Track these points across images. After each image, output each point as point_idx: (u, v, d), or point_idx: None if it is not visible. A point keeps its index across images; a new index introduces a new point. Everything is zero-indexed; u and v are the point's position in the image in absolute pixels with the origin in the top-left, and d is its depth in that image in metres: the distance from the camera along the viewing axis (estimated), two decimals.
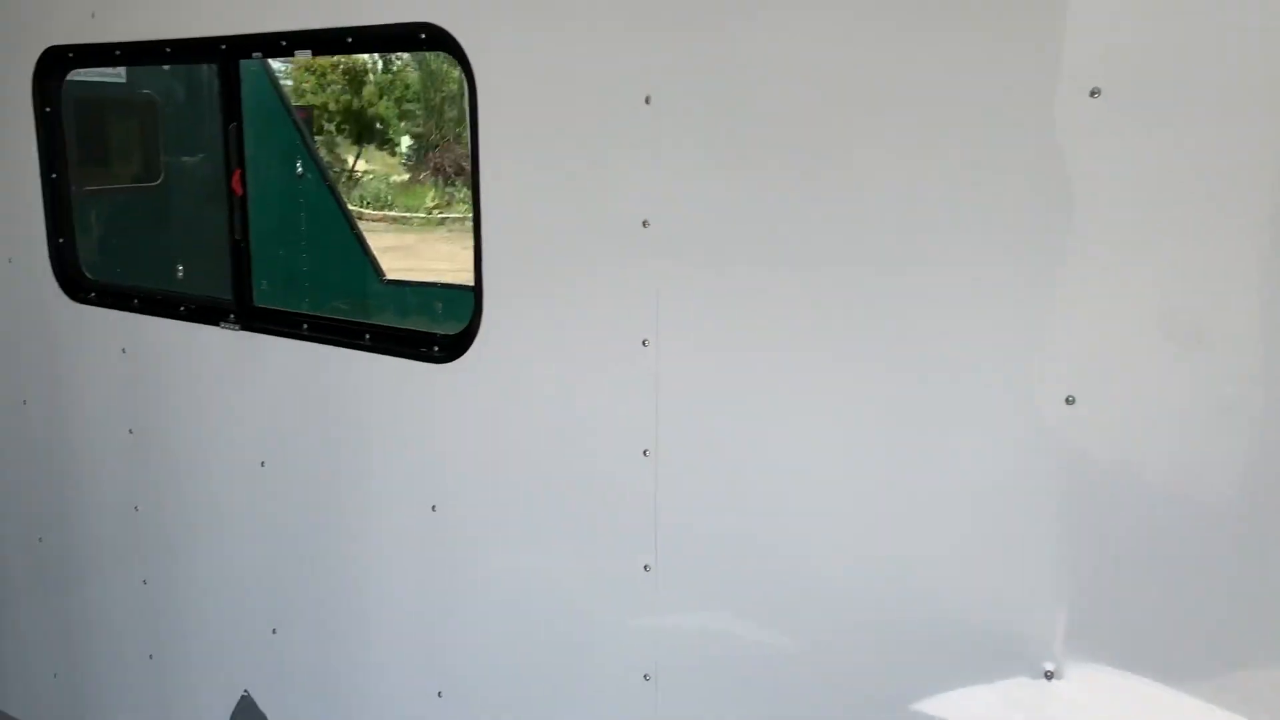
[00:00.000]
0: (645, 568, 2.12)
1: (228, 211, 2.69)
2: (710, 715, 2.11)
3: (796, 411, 1.90)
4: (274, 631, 2.82)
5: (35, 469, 3.38)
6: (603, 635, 2.22)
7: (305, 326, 2.61)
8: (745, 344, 1.94)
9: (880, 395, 1.82)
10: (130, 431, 3.06)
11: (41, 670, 3.57)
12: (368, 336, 2.49)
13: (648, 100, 1.96)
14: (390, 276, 5.78)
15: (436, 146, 24.44)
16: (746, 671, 2.04)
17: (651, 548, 2.11)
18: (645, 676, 2.15)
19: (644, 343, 2.04)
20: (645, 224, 2.00)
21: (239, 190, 2.68)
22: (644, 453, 2.08)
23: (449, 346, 2.34)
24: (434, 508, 2.42)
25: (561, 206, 2.12)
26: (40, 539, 3.43)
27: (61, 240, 3.12)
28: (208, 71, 2.93)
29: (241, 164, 2.69)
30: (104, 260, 3.88)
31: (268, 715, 2.89)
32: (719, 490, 2.02)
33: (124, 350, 3.02)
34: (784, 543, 1.96)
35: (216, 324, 2.76)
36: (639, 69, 1.97)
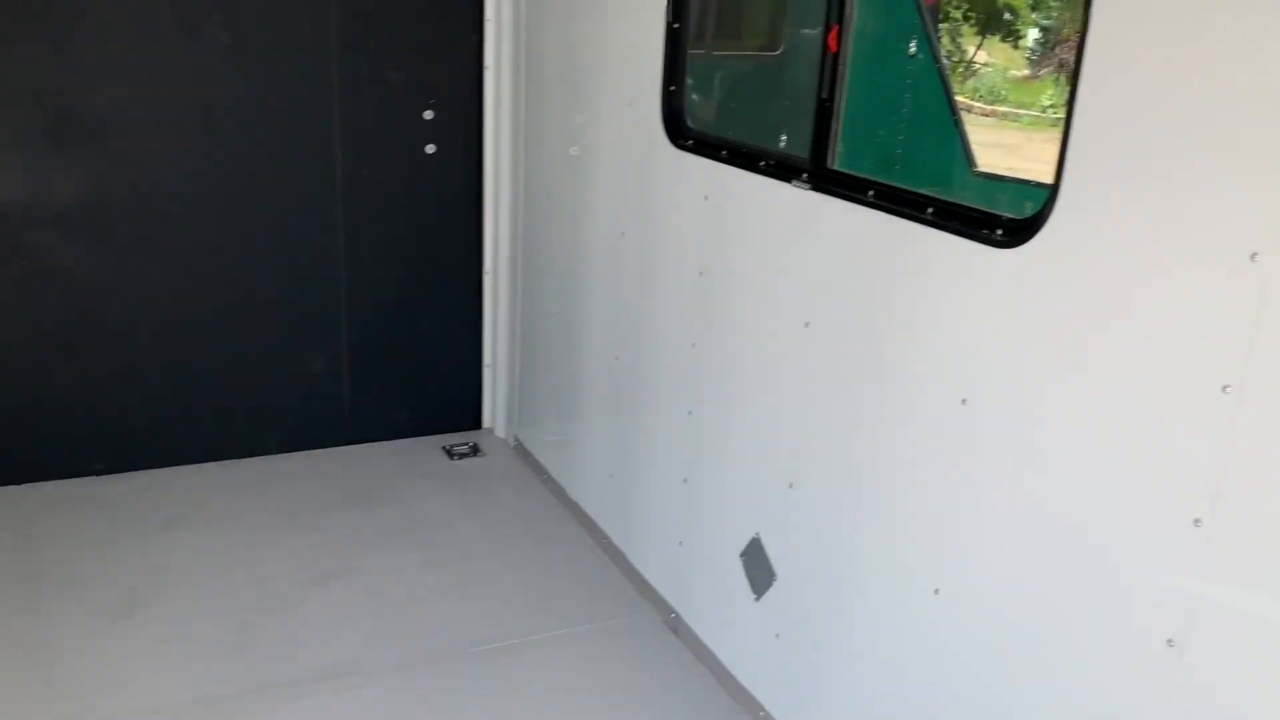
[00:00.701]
0: (1195, 522, 1.81)
1: (818, 68, 2.69)
2: (1239, 700, 1.77)
3: None
4: (790, 486, 2.91)
5: (623, 294, 3.79)
6: (1126, 585, 1.95)
7: (871, 193, 2.55)
8: None
9: None
10: (700, 274, 3.28)
11: (601, 471, 4.09)
12: (930, 210, 2.37)
13: None
14: (982, 169, 5.53)
15: (1065, 41, 22.69)
16: None
17: (1208, 500, 1.79)
18: (1169, 642, 1.86)
19: (1252, 256, 1.68)
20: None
21: (833, 48, 2.65)
22: (1224, 388, 1.74)
23: (1013, 231, 2.14)
24: (964, 401, 2.28)
25: (1166, 101, 1.79)
26: (616, 357, 3.87)
27: (672, 89, 3.37)
28: None
29: (840, 22, 2.65)
30: (710, 116, 4.14)
31: (773, 563, 3.02)
32: None
33: (706, 198, 3.21)
34: None
35: (789, 181, 2.81)
36: None
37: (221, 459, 4.63)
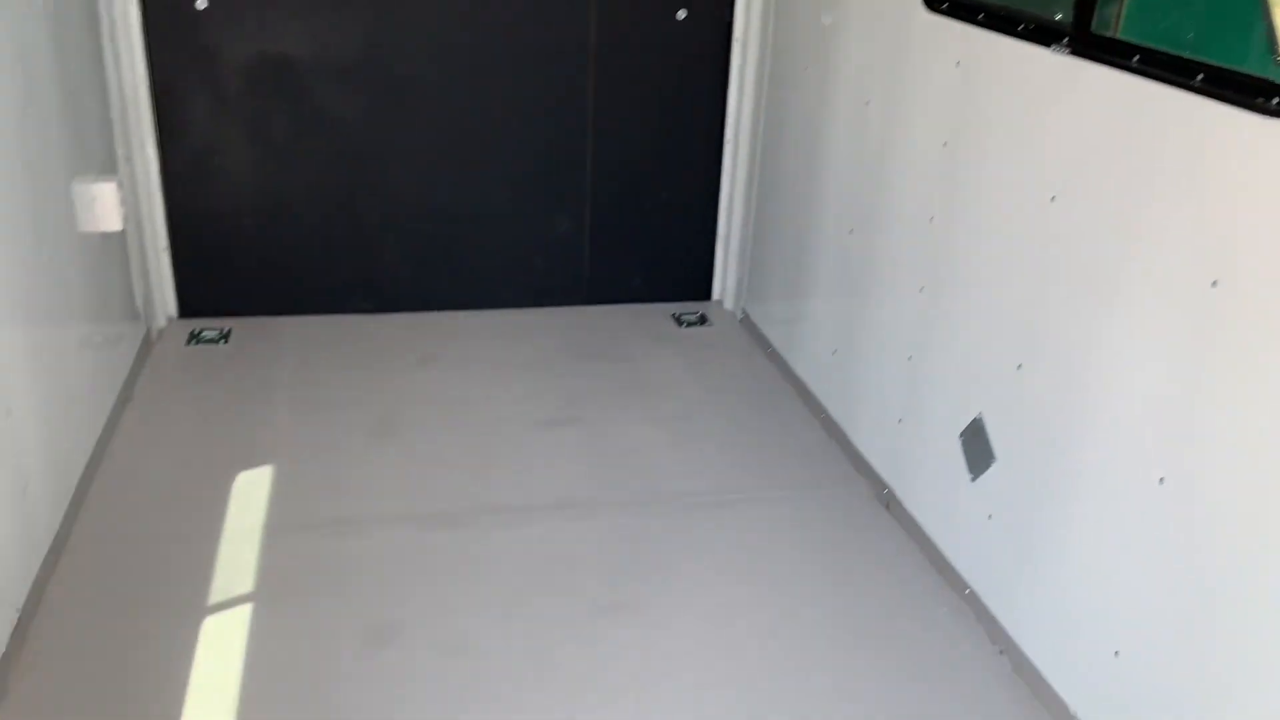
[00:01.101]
0: None
1: None
2: None
3: None
4: (1019, 367, 2.84)
5: (862, 167, 3.73)
6: None
7: (1137, 59, 2.38)
8: None
9: None
10: (944, 145, 3.19)
11: (824, 346, 4.11)
12: (1200, 77, 2.20)
13: None
14: None
15: None
16: None
17: None
18: None
19: None
20: None
21: None
22: None
23: None
24: (1215, 283, 2.15)
25: None
26: (851, 231, 3.83)
27: None
28: None
29: None
30: None
31: (993, 444, 2.98)
32: None
33: (958, 64, 3.09)
34: None
35: (1048, 46, 2.66)
36: None
37: (472, 308, 4.97)
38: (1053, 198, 2.67)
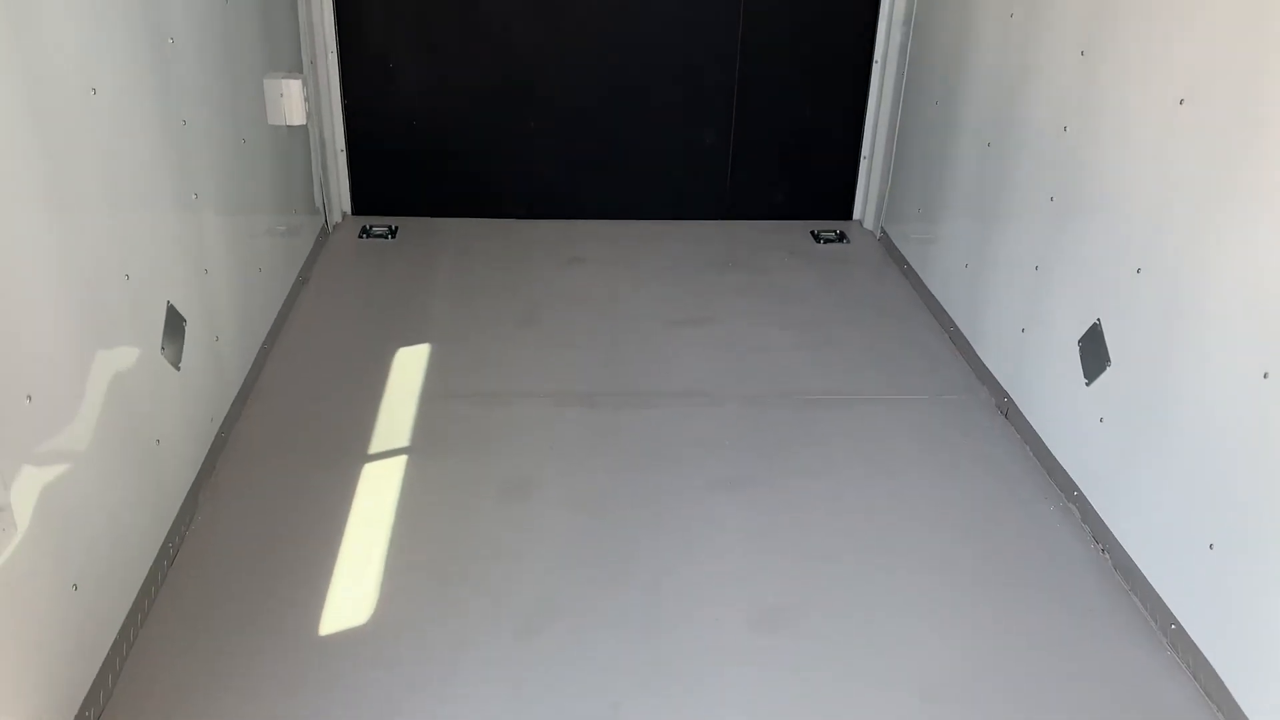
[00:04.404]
0: None
1: None
2: None
3: None
4: (1138, 271, 2.89)
5: (1003, 79, 3.76)
6: None
7: None
8: None
9: None
10: (1081, 53, 3.21)
11: (957, 260, 4.17)
12: None
13: None
14: None
15: None
16: None
17: None
18: None
19: None
20: None
21: None
22: None
23: None
24: None
25: None
26: (989, 144, 3.88)
27: None
28: None
29: None
30: None
31: (1109, 348, 3.03)
32: None
33: None
34: None
35: None
36: None
37: (619, 218, 5.22)
38: (1181, 100, 2.69)
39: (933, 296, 4.40)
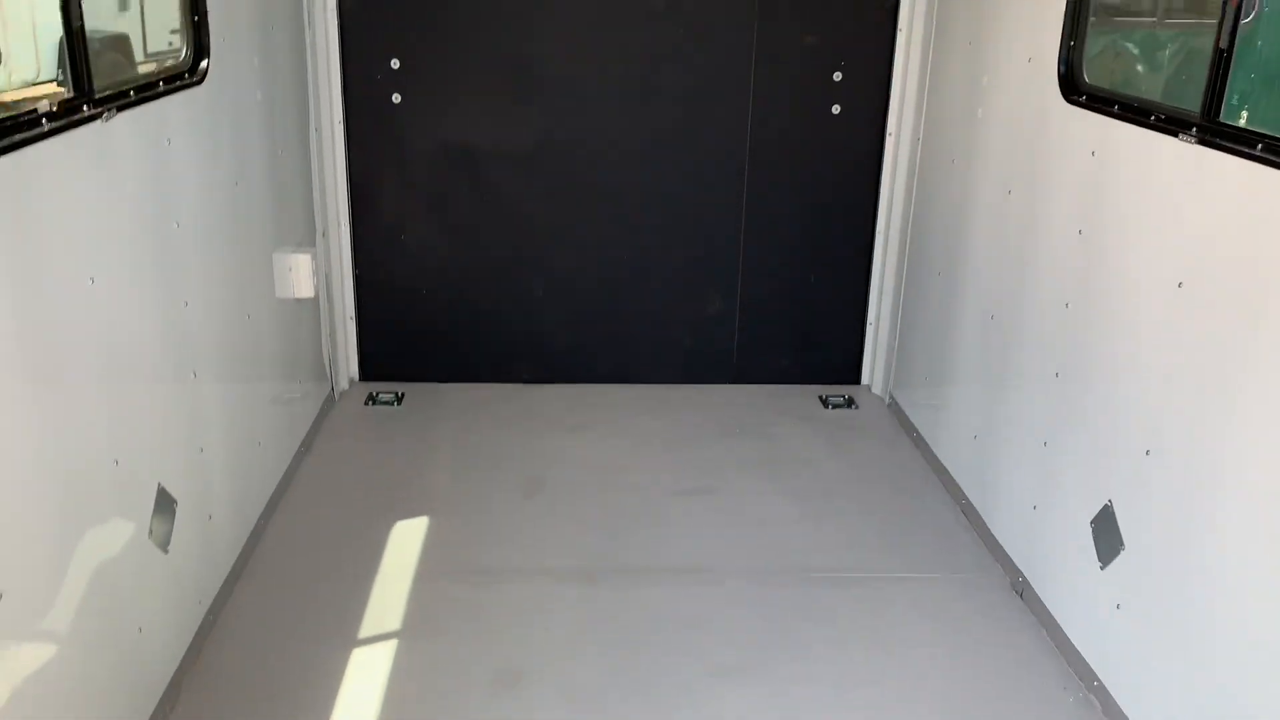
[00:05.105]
0: None
1: (1219, 17, 2.56)
2: None
3: None
4: (1147, 453, 2.82)
5: (1004, 254, 3.78)
6: None
7: (1259, 146, 2.40)
8: None
9: None
10: (1079, 232, 3.22)
11: (966, 431, 4.11)
12: None
13: None
14: None
15: None
16: None
17: None
18: None
19: None
20: None
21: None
22: None
23: None
24: None
25: None
26: (992, 316, 3.87)
27: (1072, 44, 3.31)
28: None
29: None
30: (1104, 71, 3.95)
31: (1122, 531, 2.94)
32: None
33: (1093, 153, 3.14)
34: None
35: (1176, 135, 2.70)
36: None
37: (624, 382, 5.21)
38: (1180, 284, 2.67)
39: (944, 467, 4.32)
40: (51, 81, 3.80)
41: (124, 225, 2.67)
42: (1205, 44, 2.61)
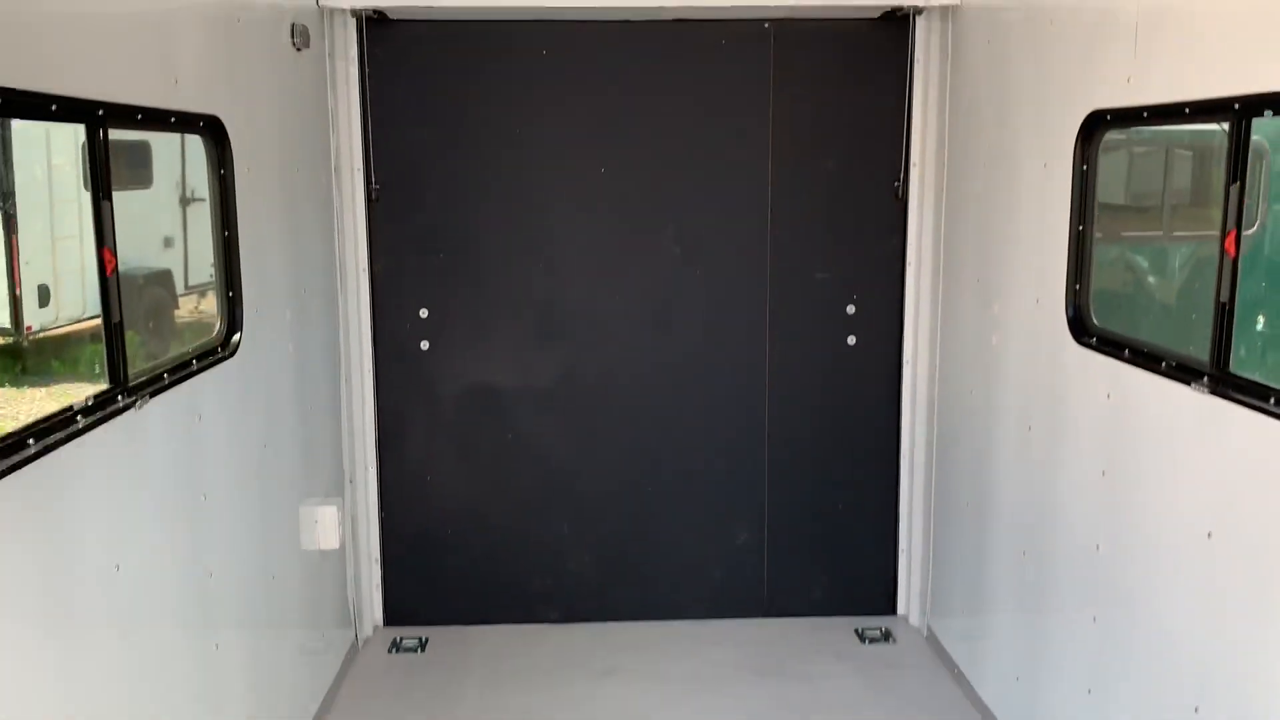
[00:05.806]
0: None
1: (1217, 271, 2.62)
2: None
3: None
4: (1195, 710, 2.69)
5: (1031, 490, 3.74)
6: None
7: (1272, 400, 2.41)
8: None
9: None
10: (1102, 474, 3.19)
11: (1008, 671, 3.96)
12: None
13: None
14: None
15: None
16: None
17: None
18: None
19: None
20: None
21: (1231, 252, 2.58)
22: None
23: None
24: None
25: None
26: (1024, 553, 3.79)
27: (1078, 287, 3.39)
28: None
29: (1238, 226, 2.58)
30: (1113, 313, 4.01)
31: None
32: None
33: (1108, 395, 3.16)
34: None
35: (1189, 384, 2.72)
36: None
37: (652, 619, 5.10)
38: (1209, 534, 2.62)
39: (988, 709, 4.13)
40: (97, 317, 3.96)
41: (151, 508, 2.71)
42: (1213, 250, 2.62)
